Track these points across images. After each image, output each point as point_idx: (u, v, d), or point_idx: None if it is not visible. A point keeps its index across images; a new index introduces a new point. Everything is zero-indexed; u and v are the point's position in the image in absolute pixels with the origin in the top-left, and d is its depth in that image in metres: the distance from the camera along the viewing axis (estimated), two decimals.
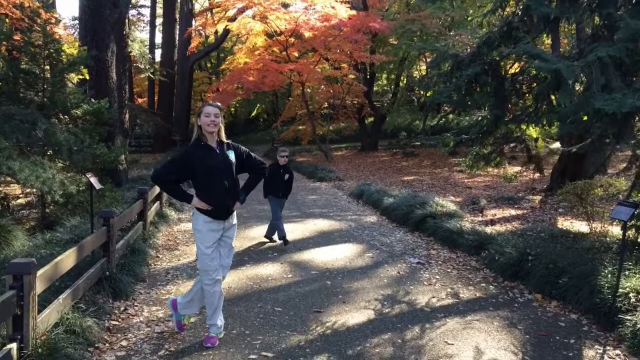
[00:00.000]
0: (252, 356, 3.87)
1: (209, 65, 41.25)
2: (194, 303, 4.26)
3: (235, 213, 4.19)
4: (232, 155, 4.11)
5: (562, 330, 4.36)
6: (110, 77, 12.34)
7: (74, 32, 27.50)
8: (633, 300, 4.22)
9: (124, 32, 15.73)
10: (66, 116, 9.77)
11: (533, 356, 3.88)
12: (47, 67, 9.63)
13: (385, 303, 5.02)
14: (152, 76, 29.55)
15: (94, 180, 6.13)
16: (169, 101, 29.70)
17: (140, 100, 37.67)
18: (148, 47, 33.00)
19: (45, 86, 9.47)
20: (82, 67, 10.54)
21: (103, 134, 10.18)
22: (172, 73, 28.68)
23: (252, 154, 4.32)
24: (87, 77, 11.89)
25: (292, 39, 21.20)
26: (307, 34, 19.97)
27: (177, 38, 28.82)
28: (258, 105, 37.83)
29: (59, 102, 9.31)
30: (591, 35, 7.32)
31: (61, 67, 9.73)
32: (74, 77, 12.61)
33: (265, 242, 7.59)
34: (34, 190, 8.32)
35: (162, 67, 28.72)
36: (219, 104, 4.06)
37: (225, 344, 4.09)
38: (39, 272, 3.53)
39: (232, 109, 41.16)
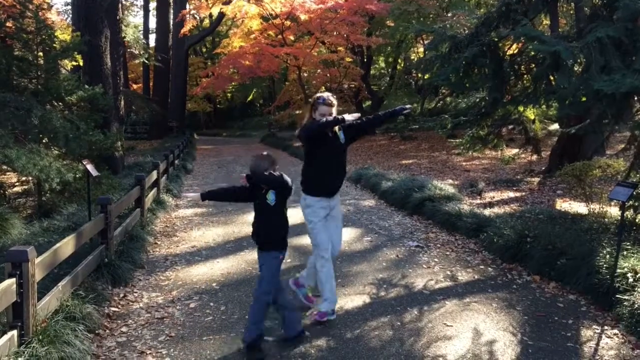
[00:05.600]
0: None
1: (204, 50, 40.95)
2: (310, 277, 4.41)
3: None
4: (342, 136, 4.20)
5: (560, 311, 4.38)
6: (104, 62, 12.24)
7: (66, 18, 27.22)
8: (631, 280, 4.24)
9: (118, 17, 15.58)
10: (60, 103, 9.71)
11: (532, 336, 3.90)
12: (40, 53, 9.53)
13: (384, 286, 5.04)
14: (146, 62, 29.29)
15: (90, 167, 6.11)
16: (165, 87, 29.51)
17: (135, 86, 37.40)
18: (142, 32, 32.60)
19: (39, 73, 9.38)
20: (76, 53, 10.46)
21: (98, 120, 10.12)
22: (167, 58, 28.44)
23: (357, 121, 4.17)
24: (81, 63, 11.80)
25: (287, 22, 20.98)
26: (303, 17, 19.75)
27: (171, 23, 28.51)
28: (254, 90, 37.65)
29: (53, 88, 9.23)
30: (590, 15, 7.25)
31: (54, 54, 9.62)
32: (68, 64, 12.52)
33: None
34: (31, 178, 8.29)
35: (156, 52, 28.45)
36: (333, 100, 4.09)
37: (226, 328, 4.11)
38: (38, 260, 3.52)
39: (228, 94, 40.96)
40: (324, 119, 4.00)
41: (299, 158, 17.67)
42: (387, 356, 3.63)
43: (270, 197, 3.72)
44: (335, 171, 4.22)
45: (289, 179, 3.73)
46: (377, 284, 5.12)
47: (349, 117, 3.98)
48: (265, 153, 3.88)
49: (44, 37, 9.31)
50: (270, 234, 3.79)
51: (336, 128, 4.14)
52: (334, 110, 4.07)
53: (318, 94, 4.19)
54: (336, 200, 4.29)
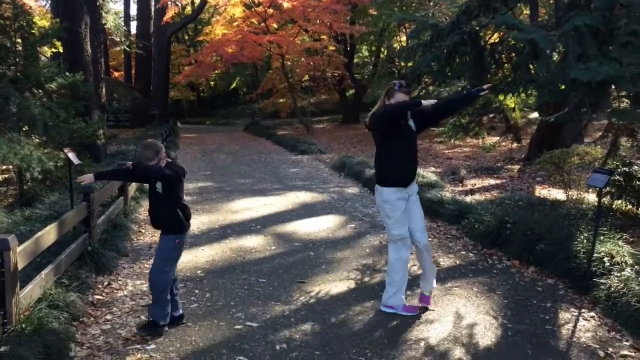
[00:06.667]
0: (237, 326, 3.92)
1: (186, 37, 40.44)
2: (402, 284, 4.17)
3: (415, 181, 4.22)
4: (412, 124, 4.11)
5: (539, 295, 4.49)
6: (84, 50, 12.05)
7: (45, 4, 26.67)
8: (607, 264, 4.36)
9: (98, 4, 15.32)
10: (40, 90, 9.55)
11: (511, 319, 4.00)
12: (19, 40, 9.35)
13: (367, 272, 5.10)
14: (128, 49, 28.80)
15: (71, 155, 6.04)
16: (147, 75, 29.11)
17: (116, 74, 36.84)
18: (123, 19, 32.06)
19: (17, 60, 9.21)
20: (55, 39, 10.28)
21: (79, 108, 9.99)
22: (149, 46, 28.02)
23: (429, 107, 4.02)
24: (61, 50, 11.60)
25: (270, 10, 20.84)
26: (286, 5, 19.63)
27: (152, 9, 28.08)
28: (238, 78, 37.36)
29: (32, 76, 9.07)
30: (568, 3, 7.34)
31: (33, 40, 9.45)
32: (47, 51, 12.31)
33: (248, 215, 7.58)
34: (12, 167, 8.17)
35: (138, 39, 28.01)
36: (409, 88, 3.97)
37: (211, 315, 4.14)
38: (20, 248, 3.50)
39: (212, 82, 40.57)
40: (402, 101, 3.89)
41: (283, 146, 17.65)
42: (370, 340, 3.70)
43: (159, 185, 3.82)
44: (410, 160, 4.09)
45: (168, 172, 3.73)
46: (360, 269, 5.18)
47: (425, 102, 3.81)
48: (149, 142, 3.86)
49: (22, 23, 9.13)
50: (162, 219, 3.91)
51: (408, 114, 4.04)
52: (409, 99, 3.97)
53: (394, 81, 4.06)
54: (413, 189, 4.17)
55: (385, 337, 3.73)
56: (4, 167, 9.01)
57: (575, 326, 3.90)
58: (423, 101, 3.82)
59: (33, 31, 9.49)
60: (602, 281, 4.21)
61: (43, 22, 11.57)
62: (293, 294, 4.56)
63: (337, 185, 10.16)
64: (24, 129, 8.51)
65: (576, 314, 4.10)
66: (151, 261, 5.47)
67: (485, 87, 4.21)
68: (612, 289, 4.06)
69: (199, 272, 5.17)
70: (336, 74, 25.15)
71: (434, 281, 4.29)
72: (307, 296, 4.52)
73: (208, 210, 7.96)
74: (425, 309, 4.17)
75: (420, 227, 4.18)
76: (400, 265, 4.11)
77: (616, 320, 3.88)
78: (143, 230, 6.82)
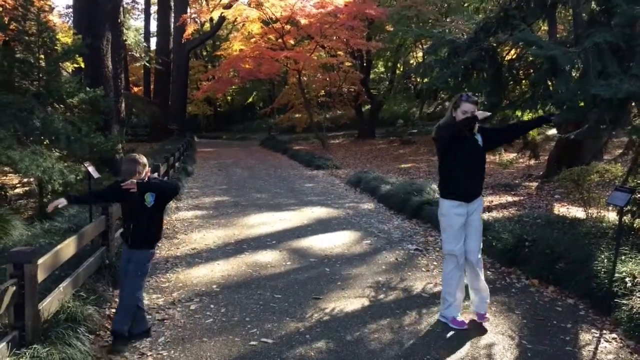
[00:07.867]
0: (252, 342, 3.91)
1: (204, 53, 41.02)
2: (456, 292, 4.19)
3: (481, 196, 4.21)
4: (480, 139, 4.13)
5: (559, 315, 4.40)
6: (105, 65, 12.29)
7: (68, 21, 27.33)
8: (629, 284, 4.26)
9: (119, 20, 15.62)
10: (62, 105, 9.75)
11: (530, 340, 3.92)
12: (42, 55, 9.57)
13: (383, 289, 5.06)
14: (147, 65, 29.35)
15: (91, 169, 6.12)
16: (165, 90, 29.56)
17: (136, 89, 37.44)
18: (143, 35, 32.67)
19: (40, 75, 9.42)
20: (77, 55, 10.50)
21: (99, 122, 10.17)
22: (168, 61, 28.50)
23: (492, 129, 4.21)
24: (83, 66, 11.84)
25: (288, 26, 21.05)
26: (303, 21, 19.83)
27: (172, 26, 28.61)
28: (254, 93, 37.70)
29: (54, 91, 9.27)
30: (588, 20, 7.29)
31: (56, 56, 9.68)
32: (69, 66, 12.57)
33: (264, 230, 7.59)
34: (33, 179, 8.31)
35: (157, 55, 28.52)
36: (475, 98, 4.02)
37: (226, 330, 4.13)
38: (40, 261, 3.54)
39: (229, 97, 41.01)
40: (461, 118, 3.93)
41: (298, 161, 17.69)
42: (386, 358, 3.65)
43: (149, 199, 3.74)
44: (472, 174, 4.08)
45: (175, 183, 3.95)
46: (376, 286, 5.14)
47: (480, 114, 3.90)
48: (135, 156, 3.86)
49: (45, 39, 9.36)
50: (147, 234, 3.86)
51: (475, 129, 4.06)
52: (477, 109, 3.98)
53: (461, 93, 4.10)
54: (476, 205, 4.15)
55: (402, 356, 3.68)
56: (25, 180, 9.16)
57: (596, 348, 3.81)
58: (478, 113, 3.89)
59: (56, 47, 9.73)
60: (624, 302, 4.12)
61: (66, 38, 11.84)
62: (308, 311, 4.54)
63: (352, 200, 10.14)
64: (45, 142, 8.67)
65: (597, 335, 4.01)
66: (168, 275, 5.54)
67: (555, 114, 4.29)
68: (635, 310, 3.97)
69: (214, 286, 5.18)
70: (352, 90, 25.27)
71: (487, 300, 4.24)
72: (322, 313, 4.49)
73: (224, 224, 7.99)
74: (482, 328, 4.13)
75: (474, 248, 4.16)
76: (450, 279, 4.12)
77: (639, 342, 3.78)
78: (159, 244, 6.85)
